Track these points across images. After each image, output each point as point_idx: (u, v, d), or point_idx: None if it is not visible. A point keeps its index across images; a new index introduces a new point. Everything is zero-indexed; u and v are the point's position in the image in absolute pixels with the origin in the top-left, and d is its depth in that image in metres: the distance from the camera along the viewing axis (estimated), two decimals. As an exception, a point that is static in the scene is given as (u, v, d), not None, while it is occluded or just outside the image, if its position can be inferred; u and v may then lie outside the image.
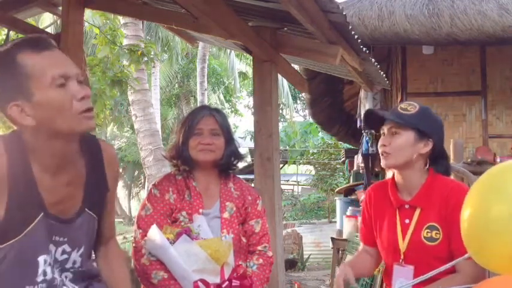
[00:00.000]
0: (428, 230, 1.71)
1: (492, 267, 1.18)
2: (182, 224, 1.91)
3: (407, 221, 1.75)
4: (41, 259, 1.32)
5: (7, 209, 1.25)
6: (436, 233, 1.69)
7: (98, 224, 1.48)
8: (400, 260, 1.75)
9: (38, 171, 1.29)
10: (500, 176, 1.21)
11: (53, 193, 1.31)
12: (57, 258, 1.37)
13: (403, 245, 1.74)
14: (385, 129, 1.79)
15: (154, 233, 1.84)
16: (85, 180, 1.39)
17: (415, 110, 1.75)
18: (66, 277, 1.40)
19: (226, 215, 1.98)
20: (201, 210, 1.94)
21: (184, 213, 1.93)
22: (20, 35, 3.57)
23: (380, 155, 1.80)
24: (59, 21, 4.59)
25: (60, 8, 3.31)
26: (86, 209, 1.41)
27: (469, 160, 4.28)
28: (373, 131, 6.26)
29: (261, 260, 2.00)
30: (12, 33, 3.53)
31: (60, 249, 1.37)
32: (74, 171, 1.36)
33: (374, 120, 1.86)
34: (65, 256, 1.39)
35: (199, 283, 1.77)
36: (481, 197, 1.20)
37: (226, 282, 1.79)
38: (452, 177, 3.43)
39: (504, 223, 1.10)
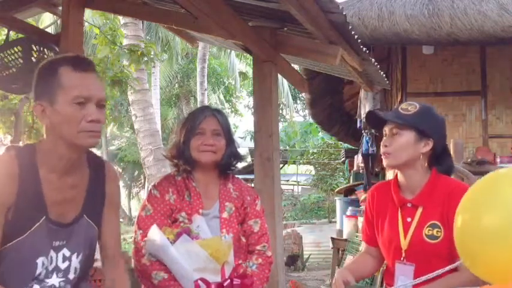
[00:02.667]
0: (429, 228, 1.72)
1: (484, 276, 1.18)
2: (182, 224, 1.91)
3: (409, 219, 1.77)
4: (39, 261, 1.42)
5: (15, 210, 1.39)
6: (438, 231, 1.70)
7: (103, 240, 1.60)
8: (402, 258, 1.76)
9: (46, 172, 1.44)
10: (492, 186, 1.20)
11: (57, 192, 1.45)
12: (59, 267, 1.47)
13: (404, 243, 1.75)
14: (386, 129, 1.81)
15: (155, 233, 1.84)
16: (87, 188, 1.53)
17: (415, 110, 1.77)
18: None
19: (225, 215, 1.98)
20: (200, 211, 1.94)
21: (183, 213, 1.93)
22: (20, 35, 3.57)
23: (382, 155, 1.82)
24: (59, 21, 4.58)
25: (60, 8, 3.30)
26: (85, 216, 1.53)
27: (469, 160, 4.28)
28: (373, 131, 6.27)
29: (260, 260, 2.00)
30: (12, 33, 3.52)
31: (60, 255, 1.47)
32: (79, 178, 1.52)
33: (376, 121, 1.88)
34: (67, 263, 1.48)
35: (200, 282, 1.78)
36: (473, 207, 1.19)
37: (228, 281, 1.79)
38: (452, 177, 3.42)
39: (495, 234, 1.09)
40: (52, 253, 1.46)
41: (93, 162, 1.57)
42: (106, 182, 1.60)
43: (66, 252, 1.48)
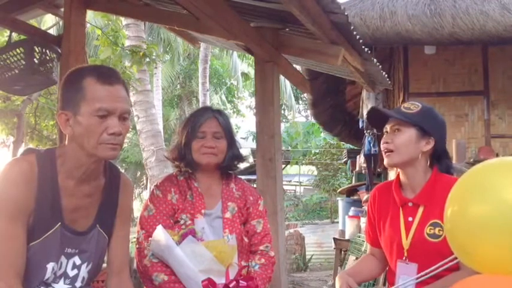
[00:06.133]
0: (431, 227, 1.72)
1: (474, 266, 1.18)
2: (183, 227, 1.91)
3: (410, 218, 1.77)
4: (49, 266, 1.43)
5: (34, 214, 1.40)
6: (439, 230, 1.70)
7: (111, 250, 1.61)
8: (404, 258, 1.76)
9: (63, 179, 1.45)
10: (480, 177, 1.20)
11: (73, 199, 1.47)
12: (68, 274, 1.49)
13: (406, 243, 1.75)
14: (387, 127, 1.82)
15: (160, 233, 1.84)
16: (101, 198, 1.54)
17: (417, 109, 1.79)
18: None
19: (228, 215, 1.98)
20: (203, 211, 1.94)
21: (185, 214, 1.93)
22: (22, 37, 3.58)
23: (383, 153, 1.81)
24: (61, 23, 4.60)
25: (62, 9, 3.31)
26: (97, 226, 1.54)
27: (471, 160, 4.28)
28: (375, 131, 6.26)
29: (263, 260, 2.00)
30: (14, 34, 3.53)
31: (71, 262, 1.48)
32: (95, 187, 1.53)
33: (377, 119, 1.88)
34: (75, 271, 1.50)
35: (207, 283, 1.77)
36: (464, 196, 1.19)
37: (234, 282, 1.79)
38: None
39: (486, 222, 1.09)
40: (63, 259, 1.47)
41: (109, 172, 1.58)
42: (120, 193, 1.61)
43: (77, 260, 1.50)
